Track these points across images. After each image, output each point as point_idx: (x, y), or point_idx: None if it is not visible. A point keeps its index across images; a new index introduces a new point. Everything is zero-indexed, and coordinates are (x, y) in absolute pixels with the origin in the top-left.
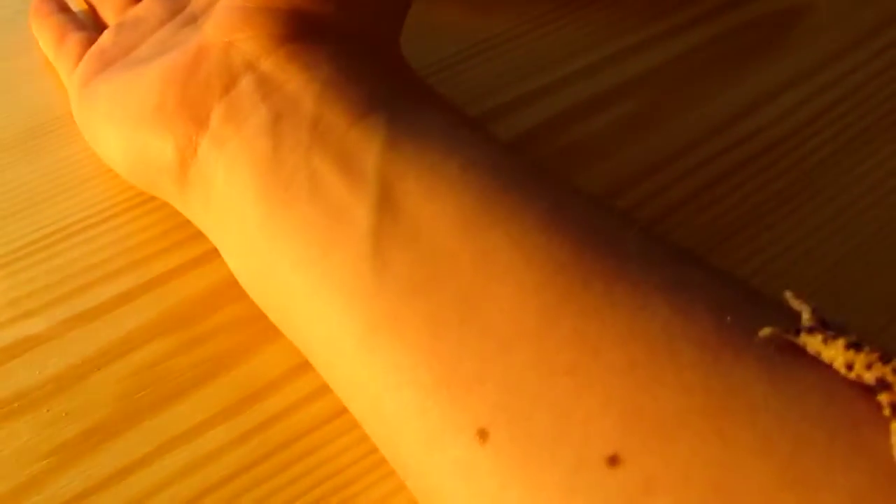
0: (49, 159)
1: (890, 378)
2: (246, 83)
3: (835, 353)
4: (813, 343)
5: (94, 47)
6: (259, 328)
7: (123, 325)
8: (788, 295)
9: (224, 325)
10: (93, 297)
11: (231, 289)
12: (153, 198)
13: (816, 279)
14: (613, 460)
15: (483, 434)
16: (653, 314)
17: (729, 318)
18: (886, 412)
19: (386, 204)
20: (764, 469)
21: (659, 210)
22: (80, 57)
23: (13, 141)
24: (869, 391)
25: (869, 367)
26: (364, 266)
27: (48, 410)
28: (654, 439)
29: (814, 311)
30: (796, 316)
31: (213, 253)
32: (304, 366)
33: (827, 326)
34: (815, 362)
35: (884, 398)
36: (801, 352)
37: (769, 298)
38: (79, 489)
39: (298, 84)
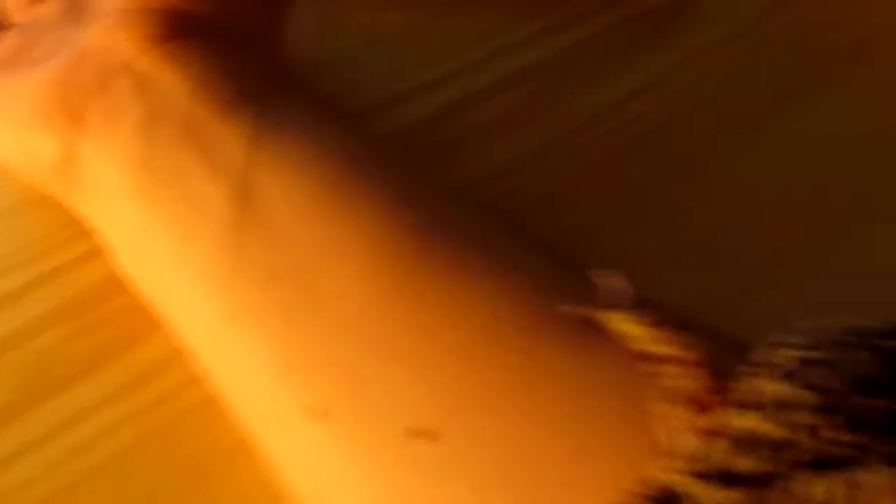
0: None
1: (676, 353)
2: (122, 83)
3: (631, 329)
4: (614, 320)
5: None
6: (149, 315)
7: (21, 316)
8: (595, 273)
9: (116, 312)
10: None
11: (124, 279)
12: (37, 199)
13: (686, 251)
14: (434, 435)
15: (322, 414)
16: (484, 299)
17: (547, 297)
18: (658, 387)
19: (244, 196)
20: (560, 444)
21: (549, 187)
22: None
23: None
24: (656, 362)
25: (658, 341)
26: (222, 256)
27: None
28: (470, 415)
29: (618, 290)
30: (615, 293)
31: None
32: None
33: (641, 304)
34: (612, 337)
35: (664, 369)
36: (603, 328)
37: (589, 278)
38: None
39: (172, 83)
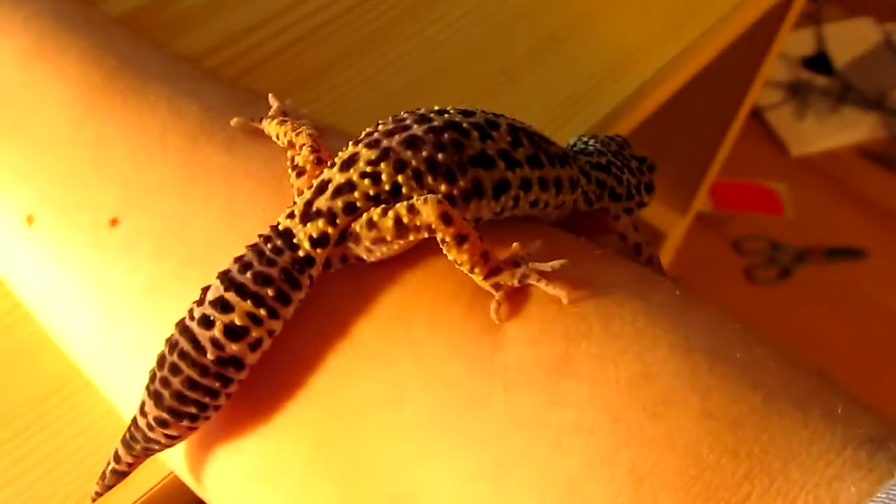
0: None
1: (293, 139)
2: None
3: (272, 129)
4: (266, 126)
5: None
6: None
7: None
8: (270, 95)
9: None
10: None
11: None
12: None
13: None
14: (114, 221)
15: (30, 219)
16: (153, 116)
17: (211, 113)
18: (288, 164)
19: None
20: (209, 212)
21: (253, 61)
22: None
23: None
24: (287, 149)
25: (285, 134)
26: None
27: None
28: (141, 202)
29: (279, 106)
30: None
31: None
32: None
33: (285, 113)
34: (267, 140)
35: (288, 154)
36: (261, 135)
37: (258, 103)
38: None
39: None
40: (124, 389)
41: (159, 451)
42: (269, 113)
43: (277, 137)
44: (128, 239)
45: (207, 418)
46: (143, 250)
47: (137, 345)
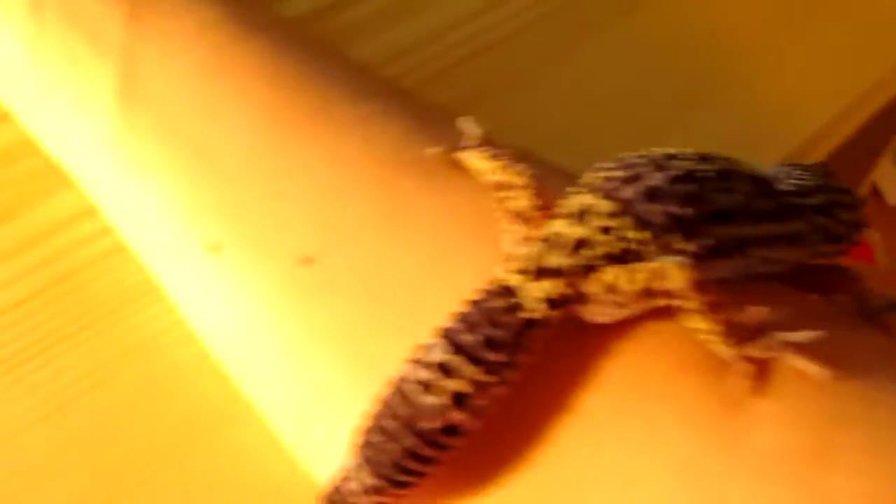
0: None
1: (509, 179)
2: None
3: (478, 163)
4: (466, 158)
5: None
6: (43, 183)
7: None
8: (459, 119)
9: (6, 181)
10: None
11: (27, 146)
12: None
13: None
14: (307, 260)
15: (213, 249)
16: (347, 143)
17: (409, 140)
18: (498, 208)
19: (128, 68)
20: (414, 258)
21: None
22: None
23: None
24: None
25: (495, 171)
26: (114, 121)
27: None
28: (338, 241)
29: (473, 133)
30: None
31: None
32: (85, 212)
33: (488, 143)
34: (464, 171)
35: (499, 195)
36: (459, 166)
37: (451, 125)
38: None
39: None
40: (308, 434)
41: None
42: (469, 141)
43: (490, 173)
44: (323, 279)
45: (421, 485)
46: (338, 292)
47: (325, 389)
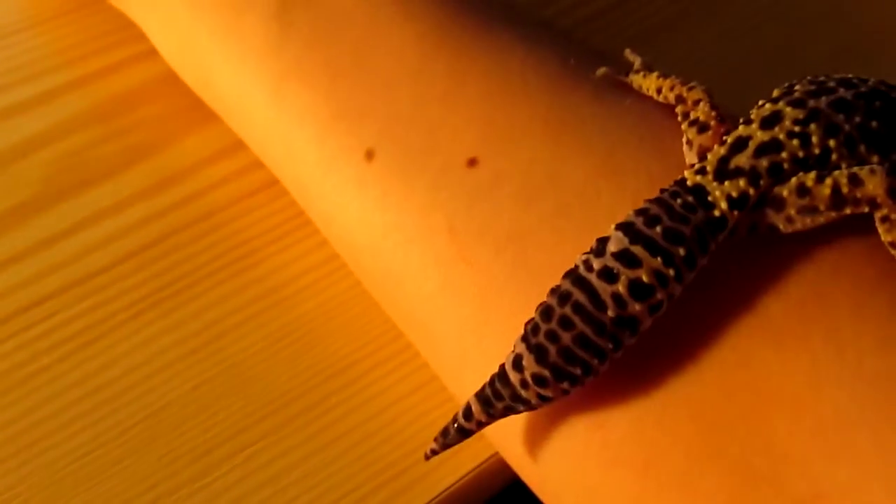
0: None
1: (685, 94)
2: None
3: (649, 83)
4: (636, 79)
5: None
6: (185, 120)
7: (46, 119)
8: (627, 51)
9: (150, 117)
10: (14, 96)
11: (160, 86)
12: (79, 5)
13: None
14: (472, 162)
15: (370, 155)
16: (511, 55)
17: (572, 60)
18: (680, 119)
19: None
20: (585, 163)
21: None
22: None
23: None
24: (671, 109)
25: (672, 88)
26: (273, 24)
27: None
28: (504, 144)
29: (643, 61)
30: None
31: (141, 55)
32: (223, 152)
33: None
34: (637, 94)
35: (679, 109)
36: (628, 88)
37: (609, 55)
38: (4, 257)
39: None
40: (468, 354)
41: (523, 411)
42: (635, 67)
43: (658, 92)
44: (488, 181)
45: (586, 383)
46: (506, 195)
47: (490, 294)
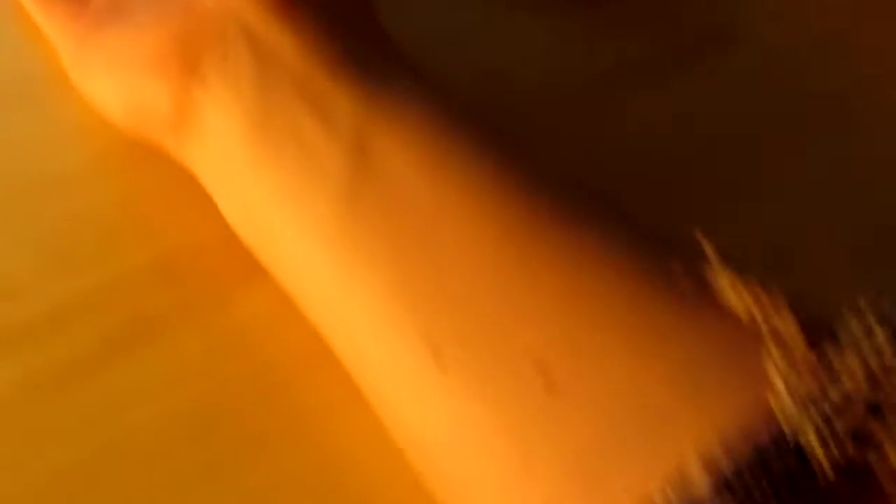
0: (39, 112)
1: (773, 313)
2: (239, 43)
3: (736, 297)
4: (720, 283)
5: (90, 5)
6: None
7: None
8: (698, 234)
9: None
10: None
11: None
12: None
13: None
14: (547, 373)
15: (439, 354)
16: (589, 257)
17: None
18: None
19: (359, 154)
20: (675, 381)
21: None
22: (72, 16)
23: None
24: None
25: (756, 305)
26: (341, 208)
27: None
28: (584, 360)
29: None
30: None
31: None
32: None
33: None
34: (713, 291)
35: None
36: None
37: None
38: None
39: (287, 45)
40: None
41: None
42: (712, 260)
43: (737, 302)
44: (563, 397)
45: None
46: (581, 418)
47: None
